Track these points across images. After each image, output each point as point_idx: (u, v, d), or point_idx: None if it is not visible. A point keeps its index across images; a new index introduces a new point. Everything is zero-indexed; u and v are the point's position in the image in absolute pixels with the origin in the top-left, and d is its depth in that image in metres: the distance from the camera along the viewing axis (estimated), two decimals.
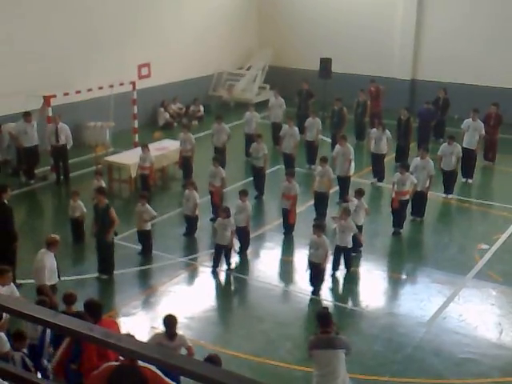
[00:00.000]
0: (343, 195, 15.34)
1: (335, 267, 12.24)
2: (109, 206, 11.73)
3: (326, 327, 7.80)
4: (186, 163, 16.64)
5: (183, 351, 7.96)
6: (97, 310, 7.69)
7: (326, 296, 11.61)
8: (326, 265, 11.54)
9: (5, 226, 11.16)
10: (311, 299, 11.51)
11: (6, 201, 11.31)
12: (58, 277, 10.12)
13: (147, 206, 12.73)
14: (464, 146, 17.00)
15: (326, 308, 8.68)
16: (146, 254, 12.75)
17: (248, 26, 26.28)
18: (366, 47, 24.34)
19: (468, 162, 16.97)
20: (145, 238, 12.80)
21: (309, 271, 11.62)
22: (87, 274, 12.05)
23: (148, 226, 12.76)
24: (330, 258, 12.01)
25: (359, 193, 12.95)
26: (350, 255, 12.34)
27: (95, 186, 13.87)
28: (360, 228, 12.79)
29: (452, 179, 16.06)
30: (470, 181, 17.11)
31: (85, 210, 13.16)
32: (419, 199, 14.50)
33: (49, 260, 9.85)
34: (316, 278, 11.56)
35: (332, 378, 7.65)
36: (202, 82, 24.31)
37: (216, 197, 14.38)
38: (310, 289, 11.60)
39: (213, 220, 13.84)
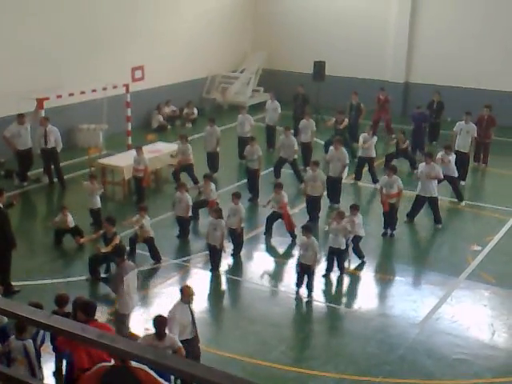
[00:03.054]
0: (333, 198, 15.42)
1: (328, 269, 12.29)
2: (115, 234, 11.73)
3: (122, 257, 9.68)
4: (182, 171, 16.54)
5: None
6: (91, 309, 7.73)
7: (319, 297, 11.64)
8: (315, 266, 11.54)
9: (1, 229, 11.12)
10: (302, 300, 11.55)
11: (1, 205, 11.27)
12: (194, 332, 8.96)
13: (147, 217, 12.71)
14: (456, 148, 17.10)
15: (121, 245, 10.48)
16: (156, 261, 12.69)
17: (242, 29, 26.31)
18: (359, 50, 24.40)
19: (461, 165, 17.04)
20: (150, 244, 12.73)
21: (297, 273, 11.64)
22: (78, 275, 12.04)
23: (152, 233, 12.77)
24: (322, 259, 12.06)
25: (355, 208, 12.92)
26: (342, 257, 12.38)
27: (89, 191, 13.91)
28: (360, 239, 12.81)
29: (454, 186, 16.06)
30: (462, 183, 17.18)
31: (73, 224, 13.22)
32: (432, 205, 14.56)
33: (180, 312, 8.79)
34: (307, 280, 11.58)
35: (135, 292, 9.79)
36: (196, 85, 24.33)
37: (211, 204, 14.30)
38: (295, 289, 11.66)
39: None
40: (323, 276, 12.21)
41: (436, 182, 14.58)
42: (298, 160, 17.75)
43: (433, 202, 14.60)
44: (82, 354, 7.25)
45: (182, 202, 13.53)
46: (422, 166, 14.70)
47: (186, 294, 8.87)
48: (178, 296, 11.59)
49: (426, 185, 14.40)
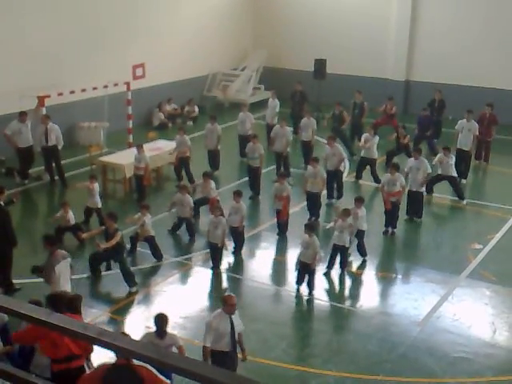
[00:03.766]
0: (333, 192, 15.44)
1: (329, 266, 12.28)
2: (117, 230, 11.65)
3: (55, 246, 9.98)
4: (181, 165, 16.63)
5: (174, 350, 7.97)
6: (58, 303, 7.73)
7: (320, 295, 11.63)
8: (315, 265, 11.53)
9: (2, 227, 11.10)
10: (302, 298, 11.54)
11: (2, 202, 11.27)
12: (234, 344, 8.34)
13: (148, 215, 12.71)
14: (458, 146, 17.08)
15: (51, 235, 10.89)
16: (157, 259, 12.69)
17: (243, 27, 26.31)
18: (360, 48, 24.39)
19: (462, 163, 17.04)
20: (151, 243, 12.73)
21: (297, 271, 11.64)
22: (79, 274, 12.03)
23: (153, 232, 12.76)
24: (322, 258, 12.06)
25: (359, 201, 12.96)
26: (346, 254, 12.38)
27: (89, 190, 13.89)
28: (362, 233, 12.83)
29: (455, 185, 16.05)
30: (464, 181, 17.18)
31: (74, 221, 13.22)
32: (416, 200, 14.57)
33: (219, 321, 8.21)
34: (307, 278, 11.57)
35: (67, 281, 9.86)
36: (197, 83, 24.31)
37: (212, 201, 14.31)
38: (295, 287, 11.66)
39: None
40: (324, 274, 12.21)
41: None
42: (298, 158, 17.80)
43: (417, 196, 14.60)
44: (46, 345, 7.20)
45: (184, 204, 13.52)
46: (410, 162, 14.75)
47: (228, 304, 8.20)
48: (178, 294, 11.67)
49: (414, 180, 14.42)
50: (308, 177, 14.51)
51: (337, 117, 19.25)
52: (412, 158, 14.82)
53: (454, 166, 15.78)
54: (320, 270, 12.05)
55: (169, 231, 13.80)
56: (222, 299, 8.38)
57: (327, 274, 12.24)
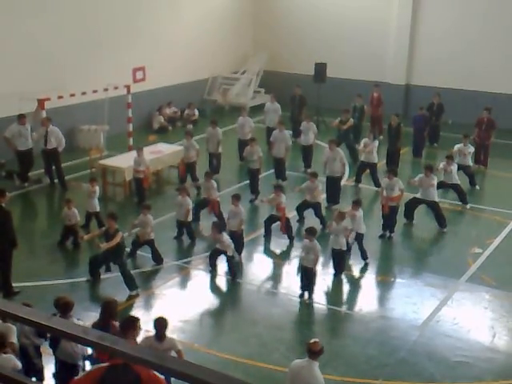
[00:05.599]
0: (332, 198, 15.43)
1: (335, 271, 12.32)
2: (118, 231, 11.60)
3: None
4: (187, 171, 16.64)
5: (173, 354, 7.96)
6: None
7: (320, 299, 11.63)
8: (316, 269, 11.53)
9: (3, 230, 11.11)
10: (302, 302, 11.53)
11: (3, 204, 11.27)
12: None
13: (149, 216, 12.72)
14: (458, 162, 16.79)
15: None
16: (157, 262, 12.68)
17: (243, 31, 26.34)
18: (360, 52, 24.44)
19: (467, 176, 16.92)
20: (151, 245, 12.72)
21: (299, 275, 11.63)
22: (79, 277, 12.04)
23: (152, 235, 12.76)
24: (322, 262, 12.06)
25: (357, 203, 12.96)
26: (343, 258, 12.38)
27: (89, 193, 13.90)
28: (361, 236, 12.85)
29: (459, 191, 15.97)
30: (477, 187, 17.02)
31: (78, 218, 13.20)
32: (432, 210, 14.58)
33: (312, 373, 7.51)
34: (307, 282, 11.57)
35: None
36: (197, 86, 24.34)
37: (215, 207, 14.31)
38: (299, 292, 11.61)
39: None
40: (334, 275, 12.27)
41: (435, 187, 14.56)
42: (298, 162, 17.79)
43: (434, 207, 14.58)
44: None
45: (182, 207, 13.52)
46: (421, 179, 14.57)
47: (319, 353, 7.53)
48: (177, 298, 11.65)
49: (426, 191, 14.40)
50: (306, 189, 14.46)
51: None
52: (422, 175, 14.51)
53: (456, 174, 15.71)
54: (320, 274, 12.03)
55: (174, 238, 13.79)
56: (314, 349, 7.50)
57: (330, 279, 12.24)
